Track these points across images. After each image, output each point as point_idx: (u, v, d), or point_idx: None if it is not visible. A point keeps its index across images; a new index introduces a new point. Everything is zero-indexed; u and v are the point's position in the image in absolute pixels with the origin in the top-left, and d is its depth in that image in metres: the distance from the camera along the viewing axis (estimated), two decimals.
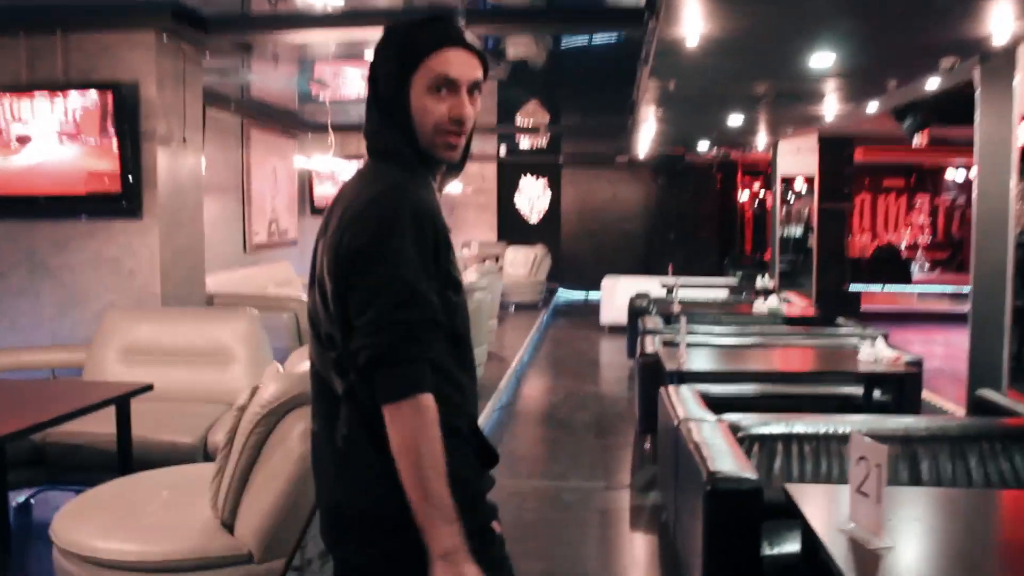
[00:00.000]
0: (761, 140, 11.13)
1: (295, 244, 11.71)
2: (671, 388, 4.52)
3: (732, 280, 12.97)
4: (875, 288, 14.31)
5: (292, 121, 11.29)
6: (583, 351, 10.99)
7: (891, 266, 15.73)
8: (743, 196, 18.68)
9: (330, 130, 8.61)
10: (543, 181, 17.18)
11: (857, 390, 5.86)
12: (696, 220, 16.81)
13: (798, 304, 9.43)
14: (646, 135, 10.35)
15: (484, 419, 6.80)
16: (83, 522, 2.98)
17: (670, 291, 11.19)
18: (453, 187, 15.22)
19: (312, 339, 1.72)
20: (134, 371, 4.81)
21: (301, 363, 3.15)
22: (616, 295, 12.01)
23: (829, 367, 5.58)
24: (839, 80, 6.17)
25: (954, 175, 18.01)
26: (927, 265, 18.02)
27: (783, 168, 11.87)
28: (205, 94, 8.41)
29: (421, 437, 1.49)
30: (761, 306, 8.38)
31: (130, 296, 5.48)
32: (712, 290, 11.48)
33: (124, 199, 5.34)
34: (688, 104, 7.49)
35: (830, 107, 7.56)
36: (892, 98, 7.21)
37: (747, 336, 6.80)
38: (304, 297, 6.42)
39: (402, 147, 1.68)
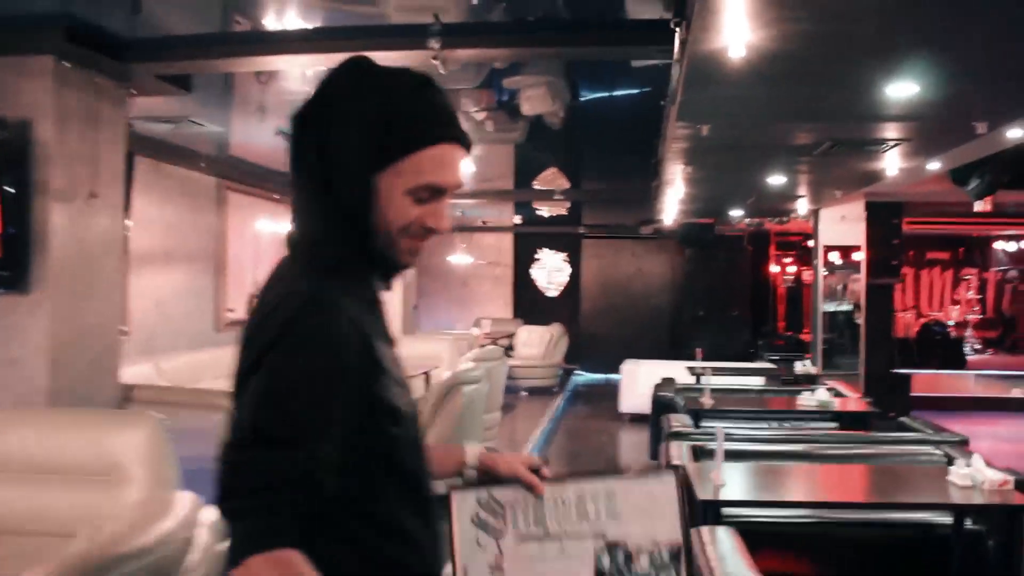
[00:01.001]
0: (802, 206, 9.93)
1: None
2: (706, 533, 3.27)
3: (768, 364, 11.65)
4: (925, 371, 12.91)
5: (281, 182, 10.22)
6: (600, 446, 9.73)
7: (941, 347, 14.34)
8: (776, 270, 17.46)
9: None
10: (563, 254, 16.07)
11: (941, 518, 4.59)
12: (727, 295, 15.55)
13: (847, 396, 8.12)
14: (673, 199, 9.18)
15: None
16: None
17: (698, 378, 9.95)
18: (462, 259, 14.16)
19: None
20: None
21: None
22: (638, 381, 10.78)
23: (911, 494, 4.29)
24: (915, 124, 4.95)
25: (1004, 246, 16.71)
26: (977, 345, 16.60)
27: (825, 238, 10.63)
28: (165, 149, 7.47)
29: None
30: (808, 400, 7.09)
31: (7, 392, 4.29)
32: (746, 377, 10.18)
33: (4, 267, 4.19)
34: (722, 158, 6.33)
35: (892, 162, 6.35)
36: (965, 152, 6.00)
37: (795, 443, 5.55)
38: None
39: (338, 243, 1.36)
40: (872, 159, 6.16)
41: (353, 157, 1.34)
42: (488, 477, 1.61)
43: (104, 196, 4.67)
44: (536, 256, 16.14)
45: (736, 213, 10.94)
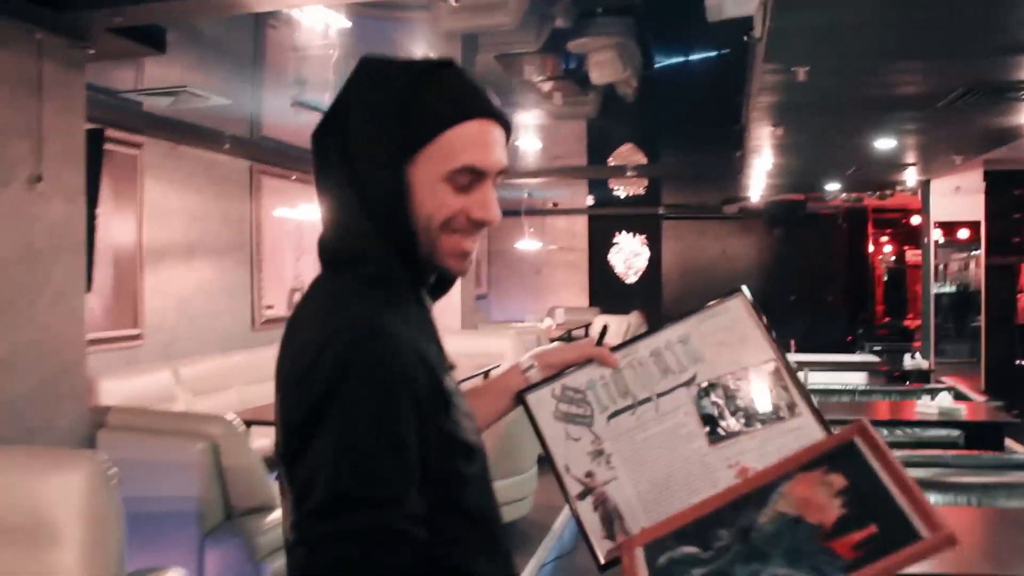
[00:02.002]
0: (911, 177, 8.67)
1: None
2: None
3: (871, 357, 10.42)
4: None
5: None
6: None
7: None
8: (874, 251, 16.08)
9: None
10: (641, 237, 14.99)
11: None
12: (820, 279, 14.23)
13: (972, 398, 6.92)
14: (760, 172, 8.05)
15: None
16: None
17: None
18: (530, 244, 13.20)
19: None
20: None
21: None
22: None
23: None
24: None
25: None
26: None
27: (936, 213, 9.33)
28: (180, 129, 6.66)
29: None
30: (927, 407, 5.94)
31: None
32: (847, 373, 8.99)
33: None
34: (820, 117, 5.20)
35: None
36: None
37: (919, 467, 4.47)
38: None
39: (381, 254, 1.21)
40: (1011, 111, 4.96)
41: (378, 151, 1.21)
42: (554, 371, 1.49)
43: (54, 180, 3.81)
44: (613, 240, 15.12)
45: (832, 187, 9.68)
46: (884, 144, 6.19)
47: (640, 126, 14.08)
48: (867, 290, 15.54)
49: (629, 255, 15.17)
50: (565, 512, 6.11)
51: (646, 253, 15.09)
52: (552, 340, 12.06)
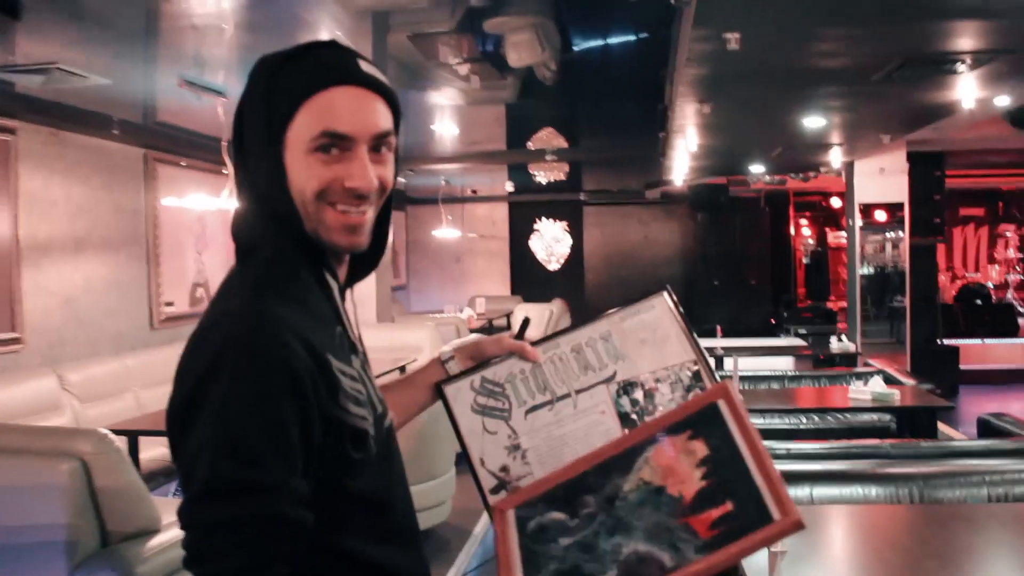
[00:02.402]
0: (836, 158, 8.51)
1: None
2: None
3: (796, 340, 10.28)
4: (976, 341, 11.46)
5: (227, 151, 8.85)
6: None
7: (987, 312, 12.91)
8: (796, 233, 16.08)
9: None
10: (562, 223, 14.72)
11: None
12: (743, 263, 14.11)
13: (903, 382, 6.74)
14: (683, 154, 7.78)
15: None
16: None
17: (719, 361, 8.61)
18: (449, 232, 12.82)
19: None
20: None
21: None
22: None
23: None
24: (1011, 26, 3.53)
25: None
26: (1021, 308, 15.15)
27: (861, 195, 9.20)
28: (70, 114, 6.11)
29: None
30: (861, 392, 5.74)
31: None
32: (773, 357, 8.81)
33: None
34: (748, 91, 4.93)
35: (967, 90, 4.91)
36: None
37: (857, 458, 4.25)
38: None
39: (273, 239, 1.22)
40: (943, 86, 4.74)
41: (256, 142, 1.23)
42: (474, 363, 1.50)
43: None
44: (534, 227, 14.81)
45: (756, 169, 9.51)
46: (812, 123, 5.95)
47: (560, 110, 13.79)
48: (789, 273, 15.52)
49: (550, 242, 14.88)
50: (486, 517, 5.74)
51: (568, 240, 14.82)
52: (472, 331, 11.71)
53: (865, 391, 5.73)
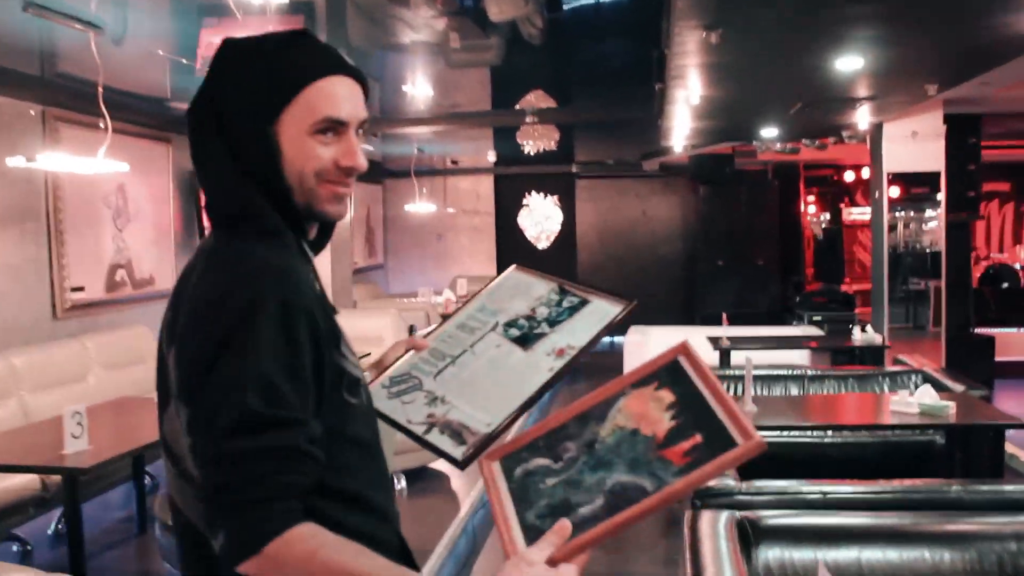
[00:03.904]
0: (863, 118, 7.29)
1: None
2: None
3: (812, 329, 9.10)
4: (1008, 330, 10.23)
5: (159, 113, 7.64)
6: None
7: (1020, 298, 11.72)
8: (805, 210, 14.86)
9: None
10: (553, 197, 13.54)
11: None
12: (750, 241, 12.87)
13: (952, 387, 5.56)
14: (684, 110, 6.56)
15: None
16: None
17: (726, 354, 7.46)
18: (423, 207, 11.66)
19: (171, 474, 1.38)
20: None
21: None
22: (648, 354, 8.23)
23: None
24: None
25: None
26: None
27: (890, 163, 7.97)
28: None
29: None
30: (906, 405, 4.57)
31: None
32: (787, 350, 7.64)
33: None
34: (768, 13, 3.71)
35: None
36: None
37: (917, 511, 3.16)
38: None
39: (263, 208, 1.35)
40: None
41: (247, 117, 1.34)
42: (381, 369, 1.66)
43: None
44: (523, 202, 13.63)
45: (768, 133, 8.26)
46: (845, 64, 4.72)
47: (549, 73, 12.58)
48: (800, 253, 14.34)
49: (541, 218, 13.73)
50: (444, 537, 4.71)
51: (559, 216, 13.68)
52: (446, 316, 10.57)
53: (910, 403, 4.57)
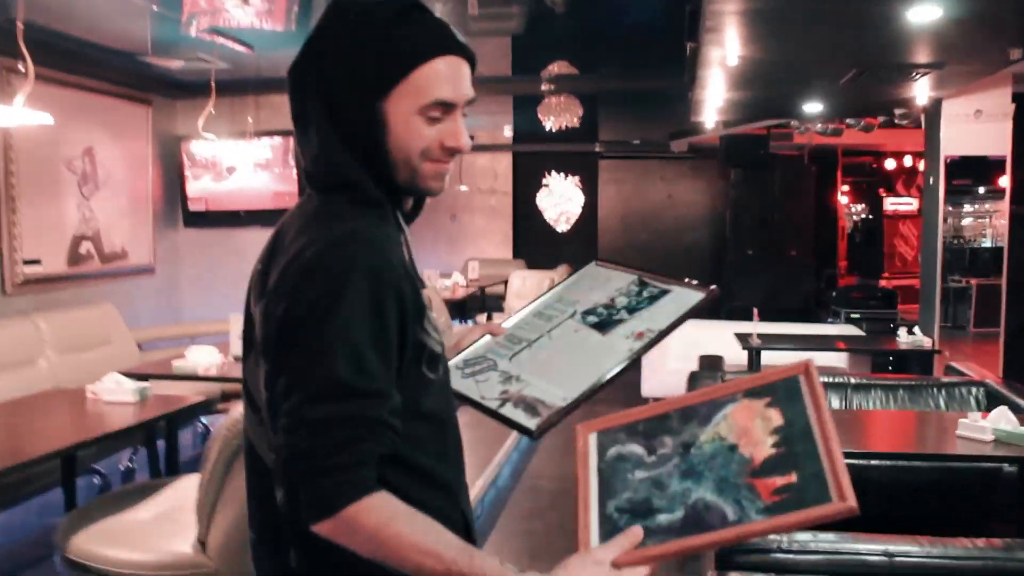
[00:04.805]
0: (921, 92, 6.44)
1: (151, 272, 7.35)
2: None
3: (850, 328, 8.29)
4: None
5: (137, 71, 6.91)
6: None
7: None
8: (846, 198, 14.00)
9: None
10: (575, 178, 12.75)
11: None
12: (784, 231, 12.00)
13: (1017, 403, 4.78)
14: (719, 77, 5.75)
15: None
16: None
17: (756, 353, 6.70)
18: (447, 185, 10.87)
19: (247, 409, 1.42)
20: None
21: None
22: (668, 352, 7.52)
23: None
24: None
25: None
26: None
27: (949, 146, 7.09)
28: None
29: (382, 549, 1.20)
30: (979, 431, 3.79)
31: None
32: (824, 352, 6.85)
33: None
34: None
35: None
36: None
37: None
38: None
39: (365, 179, 1.35)
40: None
41: (355, 88, 1.32)
42: (457, 351, 1.67)
43: None
44: (543, 182, 12.83)
45: (812, 109, 7.42)
46: (919, 15, 3.89)
47: (574, 43, 11.76)
48: (835, 244, 13.49)
49: (560, 199, 12.91)
50: None
51: (580, 198, 12.85)
52: (453, 303, 9.86)
53: (983, 427, 3.78)
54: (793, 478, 1.21)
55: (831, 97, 6.74)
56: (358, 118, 1.32)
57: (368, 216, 1.31)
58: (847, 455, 3.40)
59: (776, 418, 1.29)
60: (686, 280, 1.55)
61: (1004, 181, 7.07)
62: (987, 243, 8.15)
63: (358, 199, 1.33)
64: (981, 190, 8.02)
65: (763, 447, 1.26)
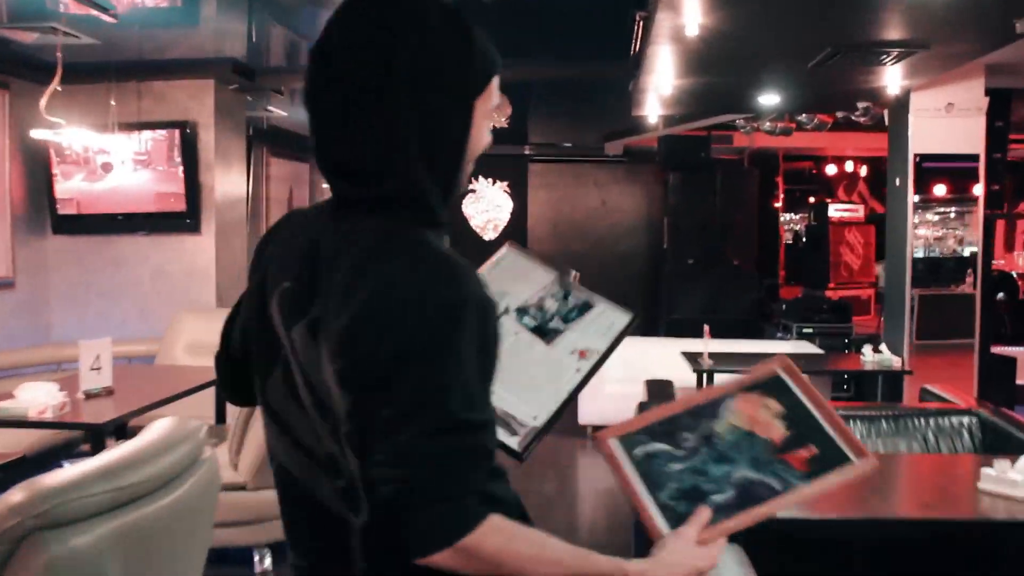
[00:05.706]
0: (893, 79, 5.72)
1: (9, 287, 6.32)
2: None
3: (806, 346, 7.58)
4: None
5: None
6: (551, 500, 5.63)
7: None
8: (785, 204, 13.44)
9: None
10: (503, 184, 12.02)
11: None
12: (725, 238, 11.30)
13: (1006, 430, 4.09)
14: (667, 62, 4.96)
15: None
16: None
17: (709, 376, 5.96)
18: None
19: (274, 433, 1.36)
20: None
21: None
22: (605, 376, 6.73)
23: None
24: None
25: None
26: None
27: (918, 143, 6.39)
28: None
29: (503, 568, 1.19)
30: (997, 482, 3.04)
31: None
32: None
33: None
34: None
35: None
36: None
37: None
38: None
39: (435, 196, 1.29)
40: None
41: (452, 87, 1.27)
42: None
43: None
44: (470, 187, 12.00)
45: (770, 100, 6.65)
46: None
47: (501, 35, 10.98)
48: (776, 252, 12.90)
49: (489, 206, 12.17)
50: None
51: (509, 204, 12.14)
52: None
53: (1015, 481, 3.02)
54: (814, 450, 1.32)
55: (793, 87, 5.99)
56: (452, 119, 1.27)
57: (439, 238, 1.27)
58: (860, 522, 2.76)
59: (776, 406, 1.38)
60: (603, 297, 1.54)
61: (978, 189, 6.39)
62: (919, 252, 7.41)
63: (424, 220, 1.27)
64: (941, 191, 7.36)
65: (777, 429, 1.35)
